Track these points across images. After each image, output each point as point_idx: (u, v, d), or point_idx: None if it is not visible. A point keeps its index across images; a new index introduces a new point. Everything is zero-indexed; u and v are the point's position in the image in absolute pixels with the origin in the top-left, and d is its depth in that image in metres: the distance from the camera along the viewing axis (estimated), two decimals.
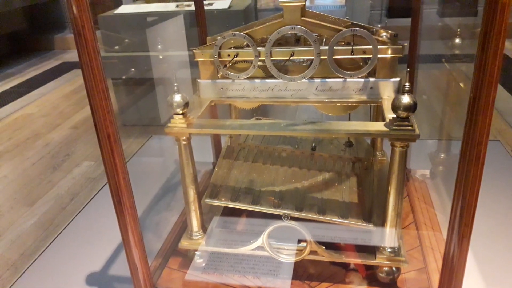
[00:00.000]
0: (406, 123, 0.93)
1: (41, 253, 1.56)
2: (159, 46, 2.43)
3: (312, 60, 1.04)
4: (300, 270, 1.18)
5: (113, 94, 2.73)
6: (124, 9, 2.63)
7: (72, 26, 0.79)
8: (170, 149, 1.10)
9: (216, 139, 1.59)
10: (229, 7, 2.46)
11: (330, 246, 1.12)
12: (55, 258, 1.52)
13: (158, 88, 2.54)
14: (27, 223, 1.83)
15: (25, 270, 1.49)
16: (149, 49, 2.47)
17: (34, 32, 4.73)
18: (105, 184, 1.95)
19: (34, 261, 1.52)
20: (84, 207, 1.82)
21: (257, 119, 1.44)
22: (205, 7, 2.44)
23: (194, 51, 1.12)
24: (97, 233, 1.62)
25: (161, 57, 2.42)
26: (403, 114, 0.92)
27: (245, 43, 1.08)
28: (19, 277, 1.46)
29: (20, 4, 4.30)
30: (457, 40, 1.45)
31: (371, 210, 1.11)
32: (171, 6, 2.52)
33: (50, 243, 1.61)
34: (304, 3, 1.03)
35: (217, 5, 2.47)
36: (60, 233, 1.67)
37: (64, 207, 1.93)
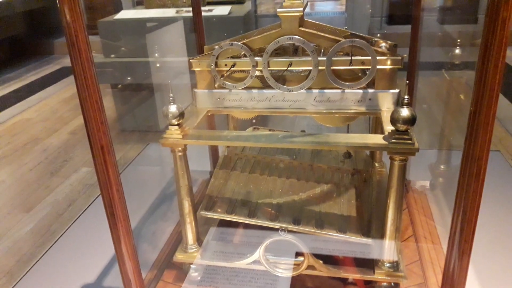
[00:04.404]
0: (405, 136, 0.91)
1: (37, 261, 1.54)
2: (158, 53, 2.42)
3: (310, 71, 1.03)
4: (298, 284, 1.16)
5: (112, 100, 2.72)
6: (124, 14, 2.62)
7: (65, 35, 0.78)
8: (167, 157, 1.08)
9: (213, 148, 1.57)
10: (229, 13, 2.46)
11: (328, 260, 1.10)
12: (51, 266, 1.50)
13: (158, 94, 2.53)
14: (24, 229, 1.82)
15: (20, 278, 1.47)
16: (149, 55, 2.47)
17: (34, 37, 4.74)
18: None
19: (29, 270, 1.50)
20: (81, 215, 1.81)
21: (255, 128, 1.42)
22: (205, 14, 2.44)
23: (190, 60, 1.11)
24: (93, 241, 1.60)
25: (158, 65, 2.41)
26: (402, 127, 0.90)
27: (243, 53, 1.07)
28: (14, 285, 1.44)
29: (20, 8, 4.30)
30: (457, 49, 1.44)
31: (370, 224, 1.09)
32: (171, 12, 2.52)
33: (47, 251, 1.59)
34: (302, 13, 1.02)
35: (217, 12, 2.47)
36: (56, 240, 1.65)
37: (61, 213, 1.91)
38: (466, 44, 1.46)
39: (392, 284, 1.08)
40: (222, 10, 2.49)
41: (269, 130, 1.43)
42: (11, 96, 3.56)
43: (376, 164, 1.36)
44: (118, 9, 2.95)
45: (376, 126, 1.25)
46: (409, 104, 0.90)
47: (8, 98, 3.52)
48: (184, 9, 2.51)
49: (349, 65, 1.01)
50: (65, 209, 1.94)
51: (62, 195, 2.05)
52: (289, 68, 1.05)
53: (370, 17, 3.62)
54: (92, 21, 3.61)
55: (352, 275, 1.09)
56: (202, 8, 2.04)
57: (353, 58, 1.00)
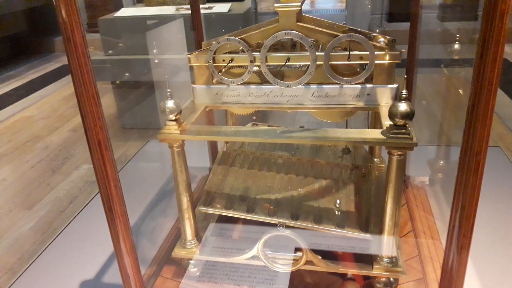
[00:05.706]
0: (403, 131, 0.91)
1: (37, 257, 1.55)
2: (158, 50, 2.42)
3: (308, 66, 1.03)
4: (297, 279, 1.16)
5: (113, 97, 2.72)
6: (124, 12, 2.62)
7: (61, 31, 0.78)
8: (166, 154, 1.08)
9: (212, 144, 1.57)
10: (229, 11, 2.45)
11: (327, 255, 1.10)
12: (51, 262, 1.51)
13: (158, 92, 2.53)
14: (25, 227, 1.82)
15: (21, 274, 1.47)
16: (149, 52, 2.46)
17: (35, 35, 4.74)
18: None
19: (29, 265, 1.51)
20: (81, 211, 1.81)
21: (254, 124, 1.42)
22: (205, 11, 2.43)
23: (188, 56, 1.11)
24: (93, 237, 1.61)
25: (156, 61, 2.41)
26: (400, 122, 0.90)
27: (240, 48, 1.06)
28: (14, 281, 1.44)
29: (21, 6, 4.31)
30: (456, 45, 1.43)
31: (368, 219, 1.09)
32: (170, 10, 2.52)
33: (47, 247, 1.60)
34: (300, 8, 1.01)
35: (217, 9, 2.46)
36: (56, 236, 1.66)
37: (63, 210, 1.92)
38: (465, 41, 1.45)
39: (391, 279, 1.07)
40: (222, 7, 2.48)
41: (268, 126, 1.43)
42: (12, 94, 3.57)
43: (375, 160, 1.36)
44: (119, 7, 2.95)
45: (375, 121, 1.25)
46: (407, 99, 0.89)
47: (9, 96, 3.53)
48: (184, 6, 2.51)
49: (347, 60, 1.01)
50: (66, 206, 1.94)
51: (63, 192, 2.05)
52: (287, 64, 1.04)
53: (370, 15, 3.61)
54: (92, 19, 3.61)
55: (351, 270, 1.09)
56: (202, 6, 2.03)
57: (351, 53, 1.00)
